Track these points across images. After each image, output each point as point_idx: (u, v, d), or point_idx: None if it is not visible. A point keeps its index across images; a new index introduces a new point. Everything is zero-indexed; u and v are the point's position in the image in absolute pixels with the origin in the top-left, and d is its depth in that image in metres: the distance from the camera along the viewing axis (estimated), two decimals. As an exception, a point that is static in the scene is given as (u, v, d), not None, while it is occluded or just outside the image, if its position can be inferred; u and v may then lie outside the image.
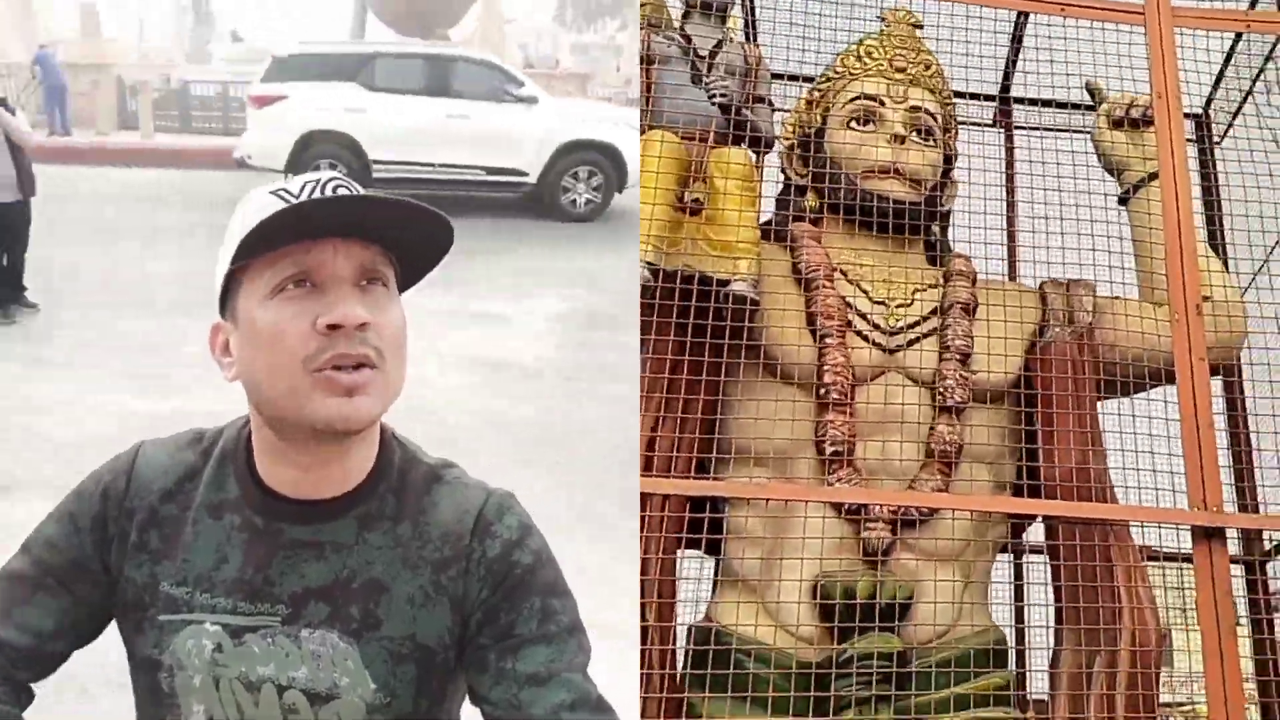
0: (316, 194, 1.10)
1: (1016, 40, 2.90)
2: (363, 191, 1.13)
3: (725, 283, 2.37)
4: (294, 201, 1.10)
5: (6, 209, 6.98)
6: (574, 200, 11.03)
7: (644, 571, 2.22)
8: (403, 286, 1.19)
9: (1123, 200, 2.73)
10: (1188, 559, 2.46)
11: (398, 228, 1.13)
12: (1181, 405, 2.10)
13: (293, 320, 1.09)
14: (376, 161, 10.61)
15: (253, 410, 1.18)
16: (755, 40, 2.80)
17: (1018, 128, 2.96)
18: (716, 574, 2.52)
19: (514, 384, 6.36)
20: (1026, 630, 2.56)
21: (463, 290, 7.58)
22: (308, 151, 10.43)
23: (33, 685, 1.27)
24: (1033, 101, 2.82)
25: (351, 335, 1.09)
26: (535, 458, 5.21)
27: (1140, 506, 2.14)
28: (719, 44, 2.60)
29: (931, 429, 2.44)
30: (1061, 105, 2.81)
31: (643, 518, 2.16)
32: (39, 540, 1.25)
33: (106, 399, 5.72)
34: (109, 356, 6.38)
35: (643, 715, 2.13)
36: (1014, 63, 2.99)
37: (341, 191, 1.11)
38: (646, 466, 2.24)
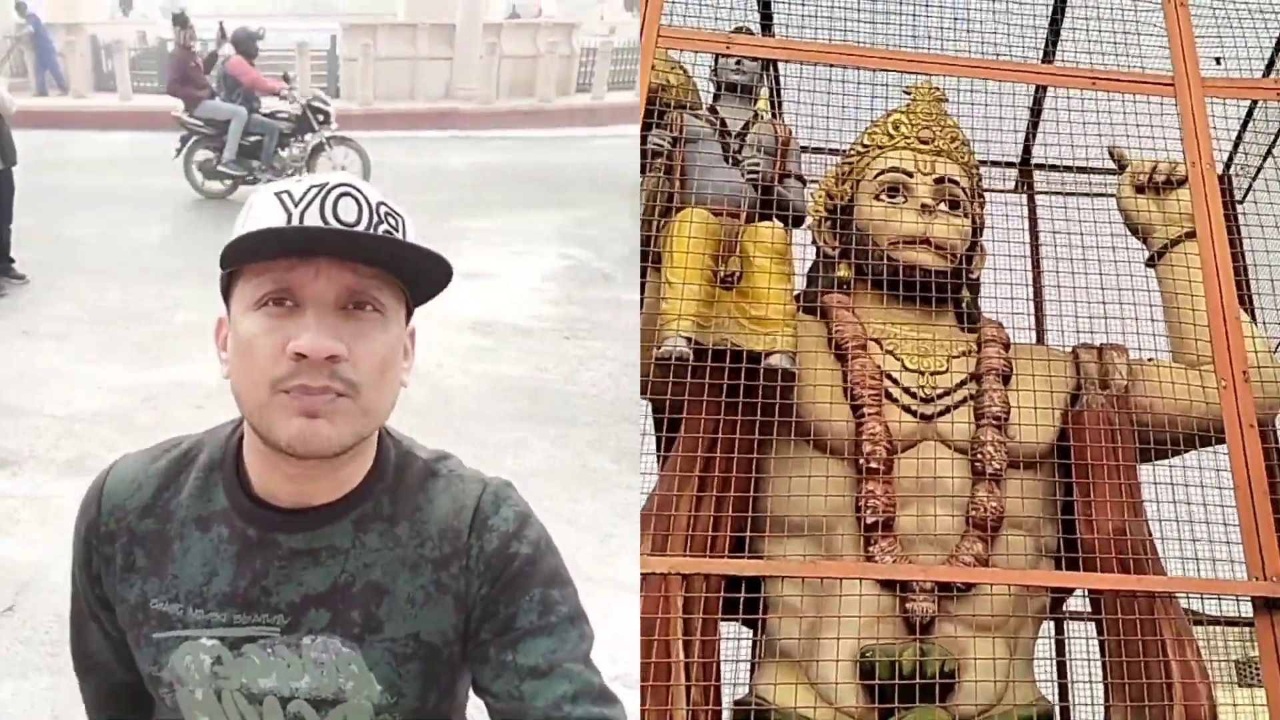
0: (318, 202, 1.07)
1: (1039, 106, 2.93)
2: (373, 200, 1.09)
3: (764, 356, 2.37)
4: (294, 208, 1.07)
5: None
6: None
7: (687, 650, 2.19)
8: (416, 303, 1.17)
9: (1149, 262, 2.74)
10: (1233, 622, 2.43)
11: (390, 258, 1.10)
12: (1234, 473, 2.08)
13: (266, 337, 1.06)
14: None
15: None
16: (781, 116, 2.84)
17: (1043, 192, 2.98)
18: (754, 647, 2.49)
19: (510, 343, 6.26)
20: (1071, 702, 2.52)
21: (456, 249, 7.46)
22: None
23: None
24: (1066, 168, 2.83)
25: (321, 366, 1.05)
26: (533, 416, 5.14)
27: (1197, 579, 2.11)
28: (750, 121, 2.63)
29: (971, 497, 2.43)
30: (1084, 170, 2.84)
31: (689, 598, 2.14)
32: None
33: (101, 370, 5.62)
34: (102, 327, 6.26)
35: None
36: (1035, 126, 3.03)
37: (346, 201, 1.07)
38: (689, 545, 2.22)
